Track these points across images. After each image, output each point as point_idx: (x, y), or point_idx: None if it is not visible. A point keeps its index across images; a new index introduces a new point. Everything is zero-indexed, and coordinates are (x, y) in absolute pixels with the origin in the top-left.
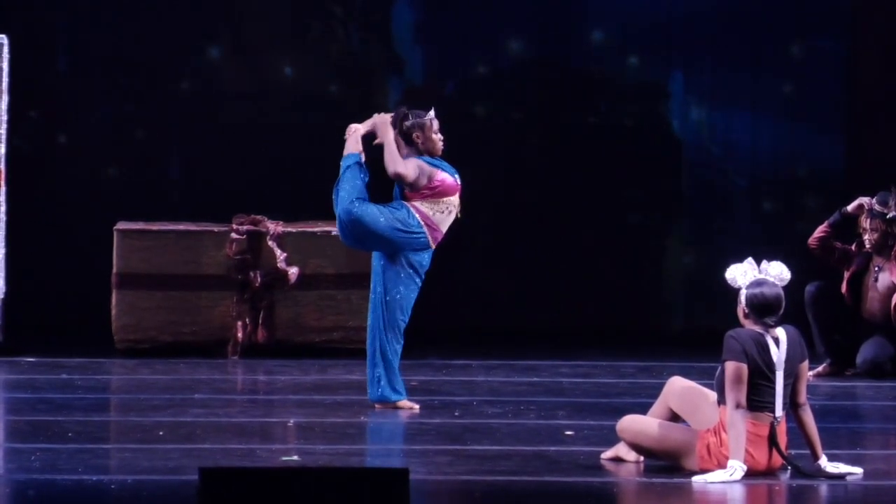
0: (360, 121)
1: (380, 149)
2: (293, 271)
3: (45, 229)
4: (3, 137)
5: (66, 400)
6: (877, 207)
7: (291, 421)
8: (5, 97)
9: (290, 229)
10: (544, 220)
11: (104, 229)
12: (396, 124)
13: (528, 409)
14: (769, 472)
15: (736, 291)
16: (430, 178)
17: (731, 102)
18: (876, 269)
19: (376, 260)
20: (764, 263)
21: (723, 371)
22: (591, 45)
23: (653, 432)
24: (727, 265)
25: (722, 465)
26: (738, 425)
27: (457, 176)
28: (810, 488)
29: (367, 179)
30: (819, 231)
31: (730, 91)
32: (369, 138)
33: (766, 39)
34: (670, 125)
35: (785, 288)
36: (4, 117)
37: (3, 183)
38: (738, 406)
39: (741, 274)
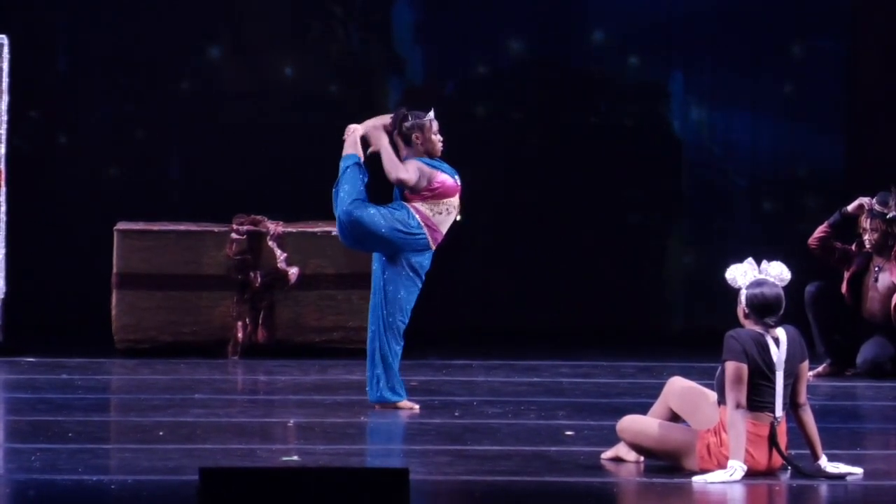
0: (361, 121)
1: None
2: (293, 271)
3: (45, 229)
4: (3, 137)
5: (66, 400)
6: (877, 207)
7: (291, 421)
8: (5, 97)
9: (290, 229)
10: (544, 220)
11: (104, 229)
12: (396, 125)
13: (528, 409)
14: (769, 473)
15: (736, 291)
16: (430, 180)
17: (731, 102)
18: (876, 269)
19: (376, 261)
20: (764, 263)
21: (723, 371)
22: (592, 45)
23: (653, 432)
24: (727, 265)
25: (722, 466)
26: (738, 425)
27: (457, 177)
28: (810, 488)
29: (366, 180)
30: (819, 231)
31: (730, 91)
32: (365, 146)
33: (766, 39)
34: (670, 125)
35: (785, 288)
36: (4, 117)
37: (3, 183)
38: (738, 406)
39: (741, 274)
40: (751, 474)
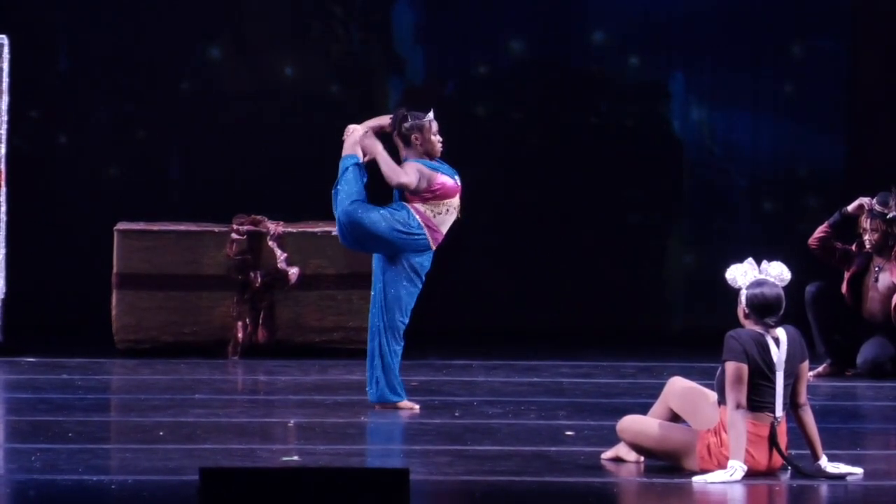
0: (361, 121)
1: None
2: (293, 272)
3: (45, 229)
4: (3, 137)
5: (66, 400)
6: (877, 208)
7: (292, 421)
8: (5, 97)
9: (290, 229)
10: (544, 220)
11: (104, 229)
12: (395, 126)
13: (528, 409)
14: (769, 473)
15: (736, 292)
16: (430, 182)
17: (731, 102)
18: (876, 269)
19: (377, 261)
20: (764, 264)
21: (723, 371)
22: (592, 45)
23: (653, 432)
24: (727, 265)
25: (722, 466)
26: (738, 425)
27: (457, 177)
28: (810, 488)
29: (366, 180)
30: (819, 231)
31: (730, 91)
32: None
33: (766, 39)
34: (671, 125)
35: (785, 288)
36: (4, 117)
37: (3, 183)
38: (738, 406)
39: (741, 274)
40: (751, 474)
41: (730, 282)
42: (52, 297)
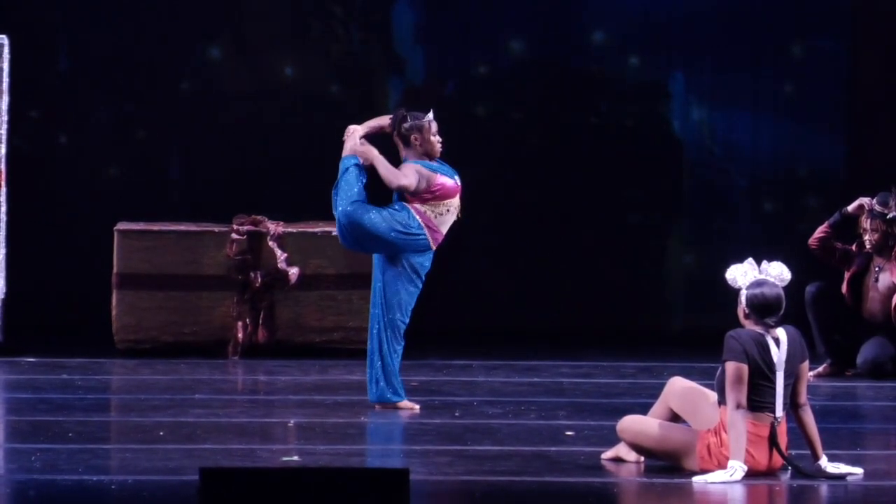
0: (361, 121)
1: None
2: (294, 272)
3: (45, 229)
4: (3, 137)
5: (66, 400)
6: (877, 208)
7: (292, 421)
8: (5, 97)
9: (290, 230)
10: (544, 220)
11: (104, 229)
12: (395, 126)
13: (528, 409)
14: (769, 473)
15: (736, 292)
16: (430, 183)
17: (731, 102)
18: (876, 269)
19: (377, 261)
20: (764, 264)
21: (723, 371)
22: (592, 45)
23: (653, 432)
24: (727, 265)
25: (722, 466)
26: (738, 425)
27: (456, 177)
28: (810, 488)
29: (365, 181)
30: (819, 231)
31: (730, 91)
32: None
33: (766, 39)
34: (671, 125)
35: (785, 288)
36: (4, 117)
37: (3, 183)
38: (738, 406)
39: (741, 274)
40: (751, 474)
41: (730, 282)
42: (52, 297)
